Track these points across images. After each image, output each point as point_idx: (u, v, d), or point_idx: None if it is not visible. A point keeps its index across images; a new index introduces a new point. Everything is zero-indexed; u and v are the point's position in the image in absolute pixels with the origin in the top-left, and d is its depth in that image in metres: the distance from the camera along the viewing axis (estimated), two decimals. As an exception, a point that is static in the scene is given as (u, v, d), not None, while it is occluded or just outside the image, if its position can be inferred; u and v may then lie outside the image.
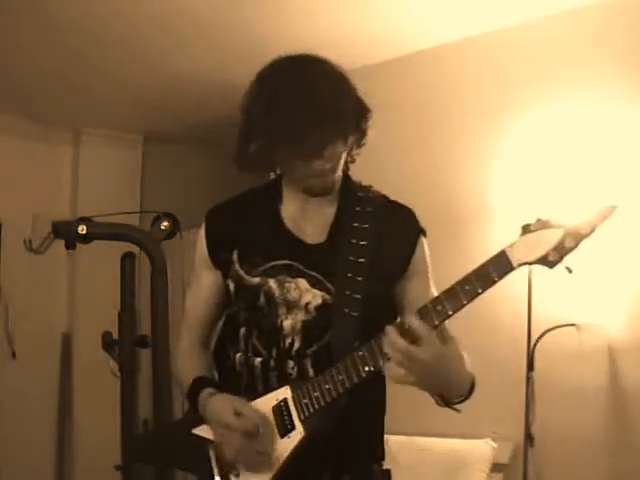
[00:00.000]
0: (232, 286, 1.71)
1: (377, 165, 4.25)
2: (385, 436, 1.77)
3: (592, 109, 3.54)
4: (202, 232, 1.79)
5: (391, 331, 1.42)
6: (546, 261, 1.38)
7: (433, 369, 1.42)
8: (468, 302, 1.43)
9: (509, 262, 1.40)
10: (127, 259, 3.50)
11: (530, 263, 1.40)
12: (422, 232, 1.75)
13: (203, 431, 1.70)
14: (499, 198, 3.75)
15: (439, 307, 1.44)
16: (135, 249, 3.57)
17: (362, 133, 1.69)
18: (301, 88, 1.58)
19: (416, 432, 3.80)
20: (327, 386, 1.55)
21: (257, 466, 1.60)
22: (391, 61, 4.27)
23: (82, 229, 3.29)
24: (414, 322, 1.42)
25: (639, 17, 3.48)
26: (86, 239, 3.35)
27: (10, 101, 5.01)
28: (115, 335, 3.42)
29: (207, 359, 1.82)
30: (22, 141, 5.39)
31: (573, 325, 3.40)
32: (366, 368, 1.51)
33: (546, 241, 1.38)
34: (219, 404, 1.64)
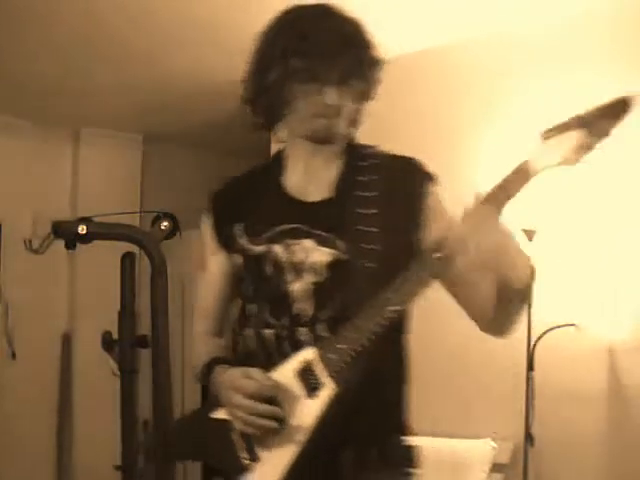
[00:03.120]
0: (239, 259, 1.66)
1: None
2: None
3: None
4: (207, 218, 1.78)
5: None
6: (569, 161, 1.44)
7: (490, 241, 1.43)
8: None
9: (531, 170, 1.44)
10: (127, 259, 3.50)
11: (554, 166, 1.44)
12: (431, 178, 1.68)
13: (220, 414, 1.63)
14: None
15: (439, 251, 1.43)
16: (135, 249, 3.57)
17: (376, 82, 1.66)
18: (330, 17, 1.61)
19: (416, 432, 3.80)
20: (354, 335, 1.48)
21: (276, 434, 1.52)
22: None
23: (82, 229, 3.29)
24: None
25: (624, 22, 3.49)
26: (86, 239, 3.36)
27: (10, 101, 5.02)
28: (115, 335, 3.43)
29: (221, 345, 1.78)
30: (22, 141, 5.39)
31: (573, 325, 3.40)
32: (391, 308, 1.46)
33: (568, 142, 1.42)
34: (230, 372, 1.59)
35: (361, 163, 1.67)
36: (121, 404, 3.41)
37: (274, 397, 1.52)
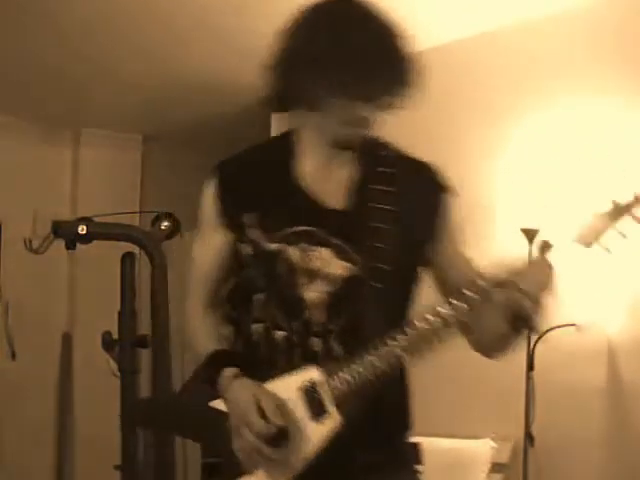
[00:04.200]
0: (248, 251, 1.59)
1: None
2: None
3: (593, 111, 3.54)
4: (211, 189, 1.68)
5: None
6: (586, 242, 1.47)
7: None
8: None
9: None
10: (127, 259, 3.50)
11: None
12: (446, 189, 1.65)
13: (220, 405, 1.58)
14: (501, 200, 3.74)
15: (482, 295, 1.46)
16: (135, 249, 3.57)
17: (411, 95, 1.57)
18: (369, 21, 1.50)
19: (416, 432, 3.79)
20: (363, 372, 1.47)
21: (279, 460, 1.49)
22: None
23: (82, 229, 3.30)
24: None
25: (638, 20, 3.49)
26: (86, 239, 3.35)
27: (10, 101, 5.01)
28: (115, 335, 3.42)
29: (217, 321, 1.71)
30: (22, 141, 5.39)
31: (573, 325, 3.40)
32: (404, 355, 1.47)
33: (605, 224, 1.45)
34: (243, 396, 1.51)
35: (378, 169, 1.61)
36: (121, 404, 3.42)
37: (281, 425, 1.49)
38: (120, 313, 3.35)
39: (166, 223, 3.56)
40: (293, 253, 1.56)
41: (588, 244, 1.43)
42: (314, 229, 1.56)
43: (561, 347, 3.45)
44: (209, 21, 3.90)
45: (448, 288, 1.63)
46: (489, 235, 3.61)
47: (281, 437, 1.49)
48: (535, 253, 1.48)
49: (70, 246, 3.33)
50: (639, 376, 3.34)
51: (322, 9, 1.54)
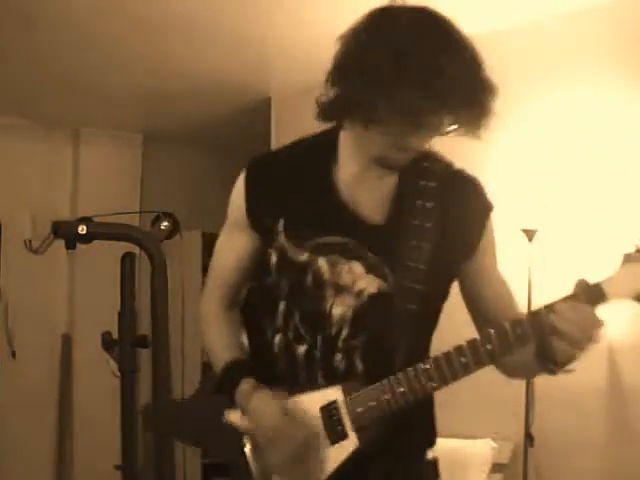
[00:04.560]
0: (275, 258, 1.52)
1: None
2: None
3: (591, 109, 3.54)
4: (241, 185, 1.57)
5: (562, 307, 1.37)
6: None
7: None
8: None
9: (604, 294, 1.39)
10: (127, 259, 3.50)
11: (627, 299, 1.37)
12: (489, 206, 1.58)
13: (235, 418, 1.55)
14: (501, 200, 3.74)
15: (519, 330, 1.38)
16: (135, 249, 3.57)
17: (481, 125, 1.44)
18: (448, 43, 1.35)
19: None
20: (386, 397, 1.42)
21: (299, 471, 1.47)
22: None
23: (82, 229, 3.30)
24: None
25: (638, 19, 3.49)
26: (86, 239, 3.36)
27: (10, 101, 5.01)
28: (115, 335, 3.43)
29: (235, 323, 1.66)
30: (22, 141, 5.39)
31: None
32: (432, 384, 1.42)
33: None
34: (267, 405, 1.48)
35: (420, 182, 1.51)
36: (121, 404, 3.41)
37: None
38: (120, 313, 3.35)
39: (166, 223, 3.57)
40: (323, 265, 1.49)
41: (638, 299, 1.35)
42: (347, 241, 1.49)
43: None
44: (210, 22, 3.90)
45: (476, 305, 1.60)
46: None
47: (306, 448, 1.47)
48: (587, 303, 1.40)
49: (70, 246, 3.33)
50: (639, 376, 3.34)
51: (387, 20, 1.39)
